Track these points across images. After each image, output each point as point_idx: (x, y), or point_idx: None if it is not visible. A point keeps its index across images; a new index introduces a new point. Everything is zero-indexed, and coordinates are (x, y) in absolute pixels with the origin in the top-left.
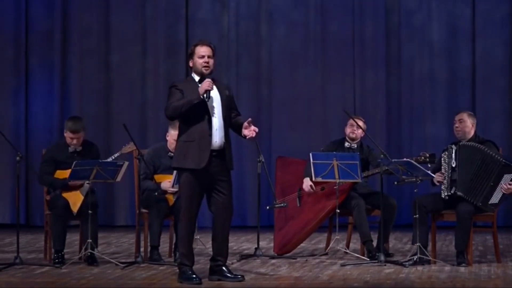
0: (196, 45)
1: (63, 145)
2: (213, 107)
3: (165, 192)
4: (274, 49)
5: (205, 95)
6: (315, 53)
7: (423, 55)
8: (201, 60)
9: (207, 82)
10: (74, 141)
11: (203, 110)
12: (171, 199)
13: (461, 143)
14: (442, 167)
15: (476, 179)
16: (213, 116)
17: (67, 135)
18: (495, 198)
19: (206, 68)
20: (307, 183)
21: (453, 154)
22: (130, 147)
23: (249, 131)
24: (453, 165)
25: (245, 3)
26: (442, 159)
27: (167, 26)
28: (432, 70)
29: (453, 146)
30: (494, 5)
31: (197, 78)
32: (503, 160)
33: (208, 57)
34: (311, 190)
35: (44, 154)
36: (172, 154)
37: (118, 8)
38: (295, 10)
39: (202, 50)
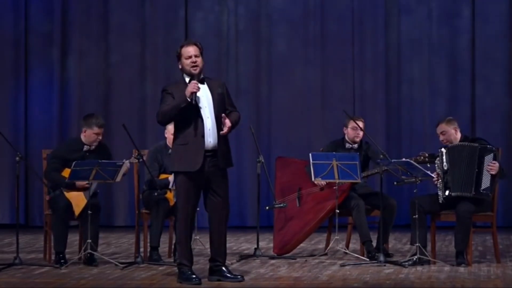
0: (182, 47)
1: (76, 144)
2: (204, 107)
3: (165, 192)
4: (273, 49)
5: (192, 98)
6: (314, 53)
7: (423, 54)
8: (188, 61)
9: (192, 84)
10: (100, 137)
11: (193, 112)
12: (172, 199)
13: (449, 145)
14: (435, 172)
15: (467, 174)
16: (205, 116)
17: (92, 131)
18: (485, 182)
19: (195, 68)
20: (319, 181)
21: (444, 157)
22: (127, 166)
23: (225, 128)
24: (445, 168)
25: (244, 3)
26: (436, 165)
27: (166, 25)
28: (432, 70)
29: (443, 150)
30: (494, 4)
31: (187, 79)
32: (479, 145)
33: (195, 56)
34: (324, 183)
35: (55, 150)
36: None
37: (117, 7)
38: (295, 10)
39: (188, 50)
